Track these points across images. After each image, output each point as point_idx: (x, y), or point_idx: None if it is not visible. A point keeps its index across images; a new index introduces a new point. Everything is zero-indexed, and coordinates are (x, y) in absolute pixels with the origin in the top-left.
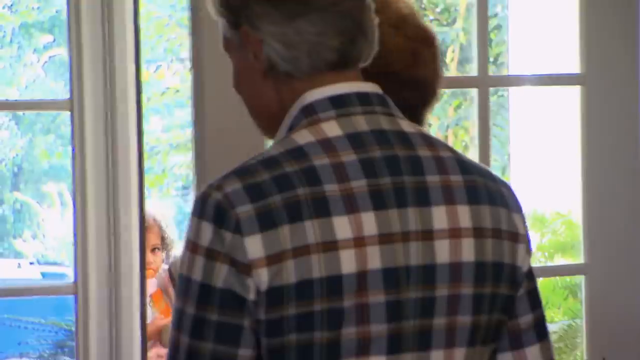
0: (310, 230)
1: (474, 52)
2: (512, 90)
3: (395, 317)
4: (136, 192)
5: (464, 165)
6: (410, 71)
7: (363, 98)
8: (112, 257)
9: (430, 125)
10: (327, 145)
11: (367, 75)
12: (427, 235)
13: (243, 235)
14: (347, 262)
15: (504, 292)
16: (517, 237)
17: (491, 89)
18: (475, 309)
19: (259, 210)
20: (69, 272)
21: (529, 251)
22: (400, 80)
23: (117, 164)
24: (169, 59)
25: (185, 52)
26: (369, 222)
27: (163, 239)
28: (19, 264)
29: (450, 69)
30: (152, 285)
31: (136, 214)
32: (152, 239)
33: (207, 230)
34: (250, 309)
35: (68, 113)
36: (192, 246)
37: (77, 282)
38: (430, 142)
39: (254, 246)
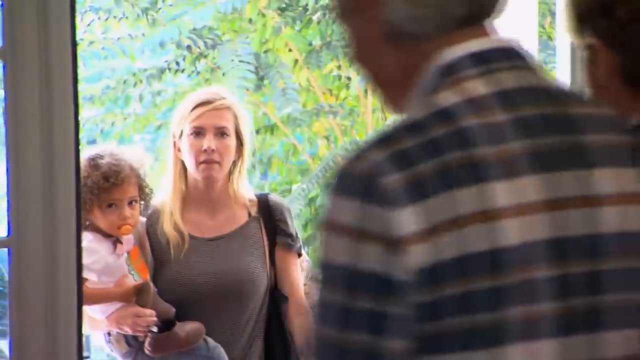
0: (467, 199)
1: None
2: None
3: (562, 295)
4: (72, 141)
5: (622, 125)
6: None
7: (505, 53)
8: (48, 210)
9: (349, 78)
10: (475, 104)
11: None
12: (592, 201)
13: (393, 208)
14: (510, 232)
15: None
16: None
17: None
18: None
19: (408, 179)
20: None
21: None
22: None
23: (53, 114)
24: None
25: None
26: (530, 187)
27: (141, 189)
28: None
29: None
30: (129, 242)
31: (72, 164)
32: (130, 191)
33: (351, 207)
34: (405, 292)
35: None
36: (332, 226)
37: (10, 236)
38: (582, 99)
39: (406, 219)
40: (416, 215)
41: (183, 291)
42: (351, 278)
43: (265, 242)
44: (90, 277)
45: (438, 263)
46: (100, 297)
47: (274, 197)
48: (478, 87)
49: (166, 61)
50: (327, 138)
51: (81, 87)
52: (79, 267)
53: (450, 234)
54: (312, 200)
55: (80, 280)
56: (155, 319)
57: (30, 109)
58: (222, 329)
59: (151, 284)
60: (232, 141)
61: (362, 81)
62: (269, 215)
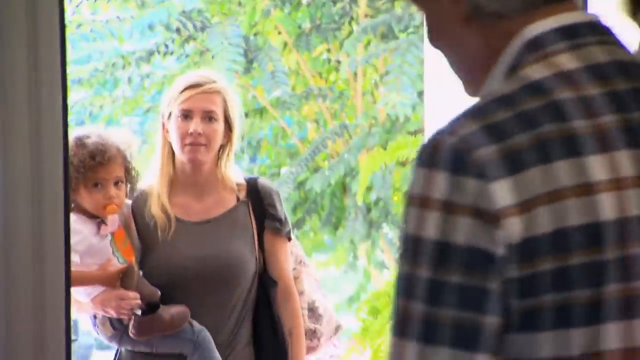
0: (563, 172)
1: None
2: None
3: None
4: (60, 123)
5: None
6: None
7: (592, 27)
8: (36, 192)
9: (339, 61)
10: (566, 78)
11: None
12: None
13: (488, 181)
14: (606, 207)
15: None
16: None
17: None
18: None
19: (503, 151)
20: None
21: None
22: None
23: (41, 97)
24: None
25: None
26: (623, 162)
27: (127, 170)
28: None
29: None
30: (113, 223)
31: (61, 146)
32: (116, 170)
33: (442, 180)
34: (499, 267)
35: None
36: (422, 201)
37: None
38: None
39: (502, 192)
40: (511, 188)
41: (169, 275)
42: (443, 252)
43: (254, 226)
44: (74, 258)
45: (533, 237)
46: (83, 280)
47: (263, 181)
48: (567, 61)
49: (155, 44)
50: (316, 121)
51: (69, 69)
52: (67, 248)
53: (546, 208)
54: (301, 184)
55: (68, 263)
56: (139, 301)
57: (19, 91)
58: (209, 312)
59: (136, 267)
60: (219, 125)
61: (352, 64)
62: (257, 199)
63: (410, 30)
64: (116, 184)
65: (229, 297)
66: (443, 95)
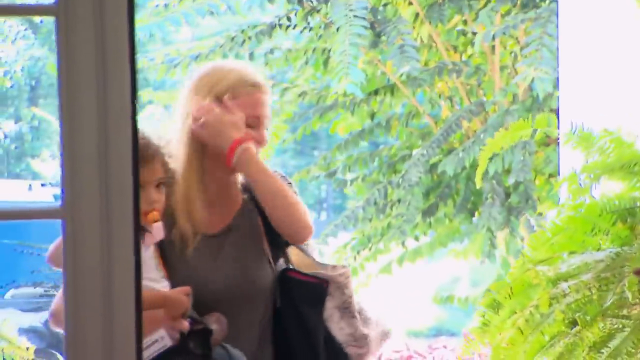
0: None
1: None
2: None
3: None
4: (129, 105)
5: None
6: None
7: None
8: (103, 178)
9: (474, 33)
10: None
11: None
12: None
13: None
14: None
15: None
16: None
17: None
18: None
19: None
20: None
21: None
22: None
23: (108, 74)
24: None
25: None
26: None
27: (166, 171)
28: (30, 185)
29: None
30: (159, 232)
31: (129, 130)
32: (158, 170)
33: None
34: None
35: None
36: None
37: (64, 206)
38: None
39: None
40: None
41: (195, 294)
42: None
43: (261, 225)
44: None
45: None
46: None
47: None
48: None
49: (277, 16)
50: (450, 99)
51: (188, 45)
52: (137, 239)
53: None
54: (433, 167)
55: (138, 252)
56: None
57: (84, 71)
58: (238, 334)
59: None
60: (262, 129)
61: (487, 36)
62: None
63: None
64: (157, 186)
65: (257, 313)
66: (580, 70)
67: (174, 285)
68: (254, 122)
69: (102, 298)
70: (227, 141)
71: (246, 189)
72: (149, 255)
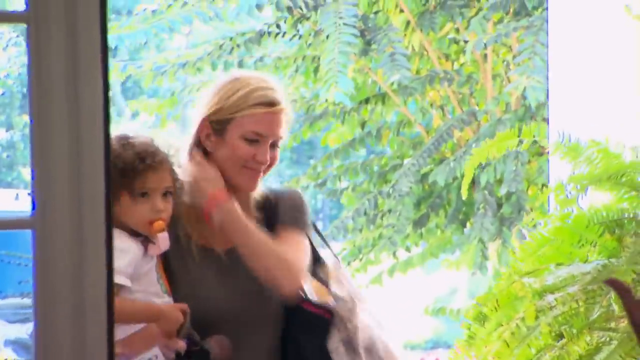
0: None
1: None
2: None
3: None
4: (101, 112)
5: None
6: None
7: None
8: (75, 187)
9: (466, 42)
10: None
11: None
12: None
13: None
14: None
15: None
16: None
17: None
18: None
19: None
20: None
21: None
22: None
23: (78, 85)
24: None
25: None
26: None
27: (174, 180)
28: (17, 194)
29: None
30: (165, 242)
31: (101, 138)
32: (166, 179)
33: None
34: None
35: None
36: None
37: (34, 216)
38: None
39: None
40: None
41: (201, 314)
42: None
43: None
44: (125, 282)
45: None
46: (133, 314)
47: (276, 191)
48: None
49: (266, 24)
50: (442, 108)
51: (178, 53)
52: (109, 248)
53: None
54: (424, 177)
55: (110, 262)
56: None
57: (56, 78)
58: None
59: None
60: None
61: (479, 45)
62: (270, 210)
63: (545, 6)
64: (164, 195)
65: (266, 337)
66: (570, 80)
67: (177, 300)
68: (263, 140)
69: (73, 309)
70: (203, 197)
71: (260, 207)
72: (151, 267)
